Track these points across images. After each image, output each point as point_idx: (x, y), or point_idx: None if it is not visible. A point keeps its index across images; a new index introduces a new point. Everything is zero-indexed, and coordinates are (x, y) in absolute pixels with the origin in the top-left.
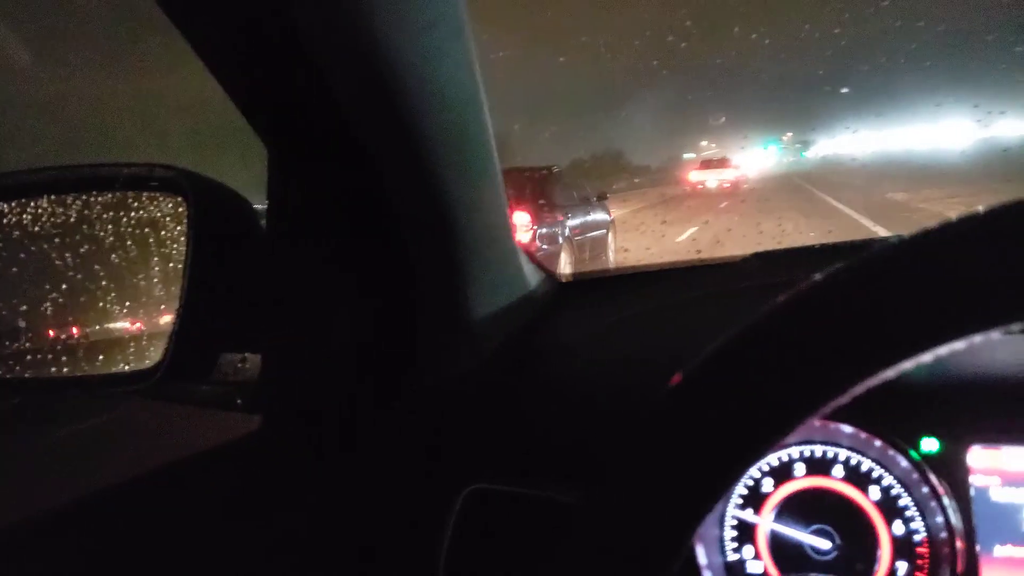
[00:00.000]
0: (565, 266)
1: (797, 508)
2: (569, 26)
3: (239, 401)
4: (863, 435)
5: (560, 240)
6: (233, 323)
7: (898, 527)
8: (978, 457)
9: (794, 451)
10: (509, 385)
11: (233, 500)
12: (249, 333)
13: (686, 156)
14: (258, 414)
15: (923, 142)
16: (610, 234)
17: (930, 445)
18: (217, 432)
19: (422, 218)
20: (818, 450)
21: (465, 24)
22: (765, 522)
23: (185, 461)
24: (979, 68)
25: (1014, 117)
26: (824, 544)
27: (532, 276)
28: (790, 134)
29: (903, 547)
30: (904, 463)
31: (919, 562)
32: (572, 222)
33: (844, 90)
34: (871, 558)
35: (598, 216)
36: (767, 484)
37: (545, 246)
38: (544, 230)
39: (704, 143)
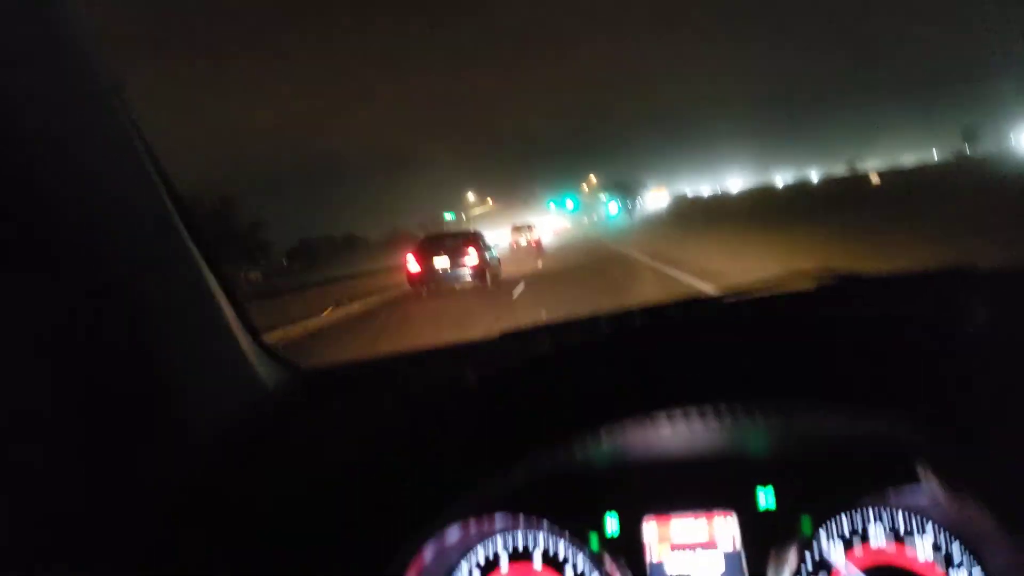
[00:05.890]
0: (490, 279)
1: None
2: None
3: None
4: (552, 523)
5: (486, 262)
6: None
7: None
8: (651, 530)
9: (497, 541)
10: (228, 494)
11: None
12: None
13: (448, 216)
14: None
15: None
16: (499, 262)
17: (612, 522)
18: None
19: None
20: (520, 539)
21: (133, 139)
22: None
23: None
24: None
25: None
26: None
27: (270, 372)
28: (592, 177)
29: None
30: (592, 542)
31: None
32: (488, 254)
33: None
34: None
35: (495, 253)
36: None
37: (486, 261)
38: (482, 257)
39: (471, 197)
